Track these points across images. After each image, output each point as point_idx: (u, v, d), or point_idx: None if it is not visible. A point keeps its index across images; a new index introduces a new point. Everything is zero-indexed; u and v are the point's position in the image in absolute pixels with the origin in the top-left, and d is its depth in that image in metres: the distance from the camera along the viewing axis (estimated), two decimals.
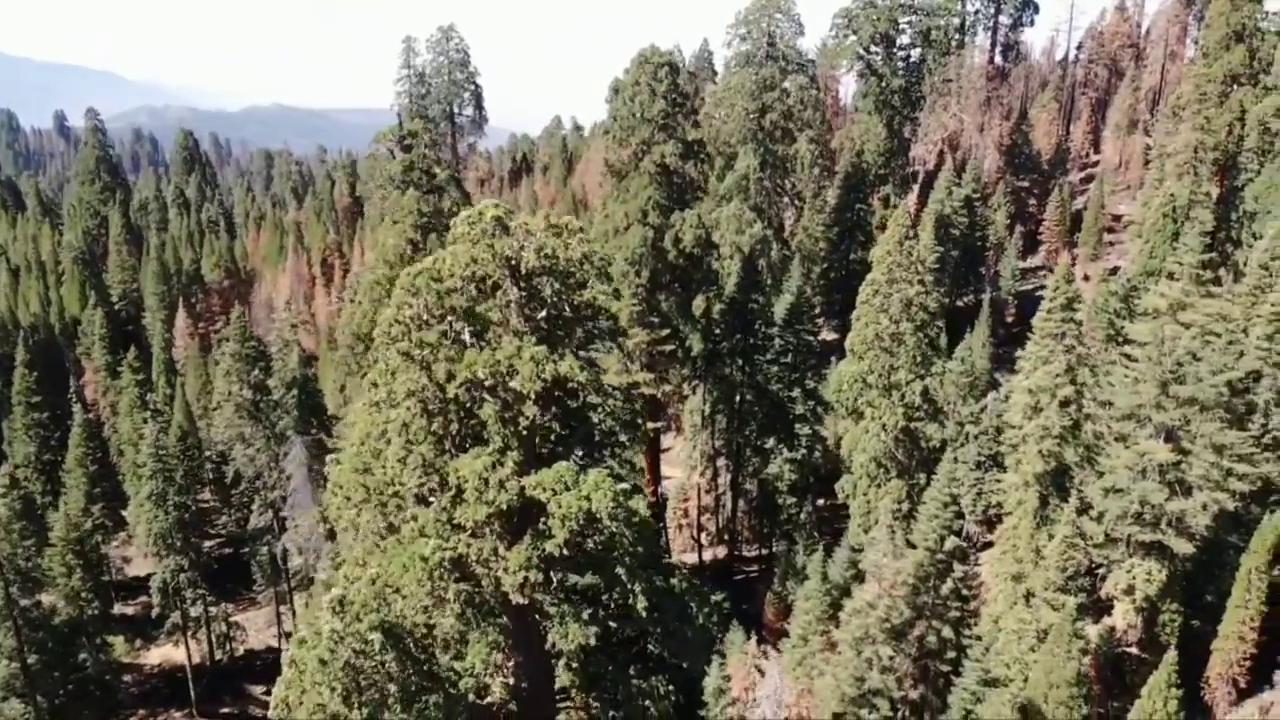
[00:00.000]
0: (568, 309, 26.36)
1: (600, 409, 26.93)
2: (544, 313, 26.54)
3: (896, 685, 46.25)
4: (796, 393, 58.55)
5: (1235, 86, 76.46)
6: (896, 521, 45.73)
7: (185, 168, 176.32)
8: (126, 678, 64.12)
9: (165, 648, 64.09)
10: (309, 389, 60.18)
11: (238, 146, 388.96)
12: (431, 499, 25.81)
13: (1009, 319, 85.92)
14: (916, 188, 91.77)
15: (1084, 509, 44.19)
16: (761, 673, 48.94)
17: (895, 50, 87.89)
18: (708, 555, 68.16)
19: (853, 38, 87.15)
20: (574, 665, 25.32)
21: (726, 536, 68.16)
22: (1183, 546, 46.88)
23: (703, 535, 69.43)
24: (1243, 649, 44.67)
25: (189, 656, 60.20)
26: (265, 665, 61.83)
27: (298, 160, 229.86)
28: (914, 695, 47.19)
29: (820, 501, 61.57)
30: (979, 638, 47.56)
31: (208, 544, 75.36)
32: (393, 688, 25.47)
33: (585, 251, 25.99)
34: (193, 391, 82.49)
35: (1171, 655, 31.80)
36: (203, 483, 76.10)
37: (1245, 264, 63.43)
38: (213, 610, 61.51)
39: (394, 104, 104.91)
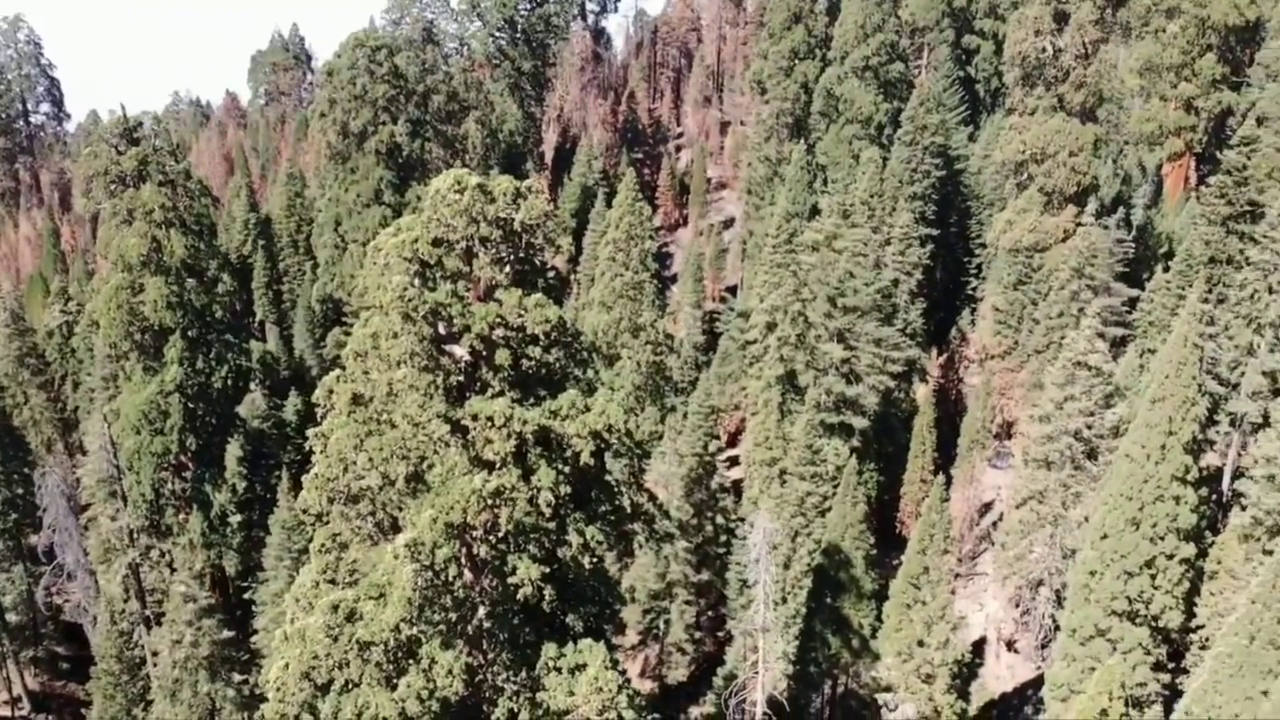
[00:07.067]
0: (535, 263, 30.15)
1: (558, 349, 30.89)
2: (508, 269, 30.06)
3: (693, 572, 54.50)
4: None
5: (798, 61, 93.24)
6: (675, 437, 53.65)
7: None
8: None
9: None
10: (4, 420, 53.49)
11: None
12: (450, 443, 28.36)
13: None
14: (550, 162, 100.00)
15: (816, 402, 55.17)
16: None
17: (518, 35, 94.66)
18: None
19: (478, 23, 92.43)
20: (588, 565, 29.58)
21: None
22: (860, 423, 60.13)
23: None
24: (923, 489, 58.79)
25: None
26: None
27: None
28: (703, 579, 55.80)
29: None
30: (742, 519, 56.99)
31: None
32: (450, 615, 28.27)
33: (547, 210, 29.92)
34: None
35: (940, 479, 43.01)
36: None
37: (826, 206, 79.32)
38: None
39: None
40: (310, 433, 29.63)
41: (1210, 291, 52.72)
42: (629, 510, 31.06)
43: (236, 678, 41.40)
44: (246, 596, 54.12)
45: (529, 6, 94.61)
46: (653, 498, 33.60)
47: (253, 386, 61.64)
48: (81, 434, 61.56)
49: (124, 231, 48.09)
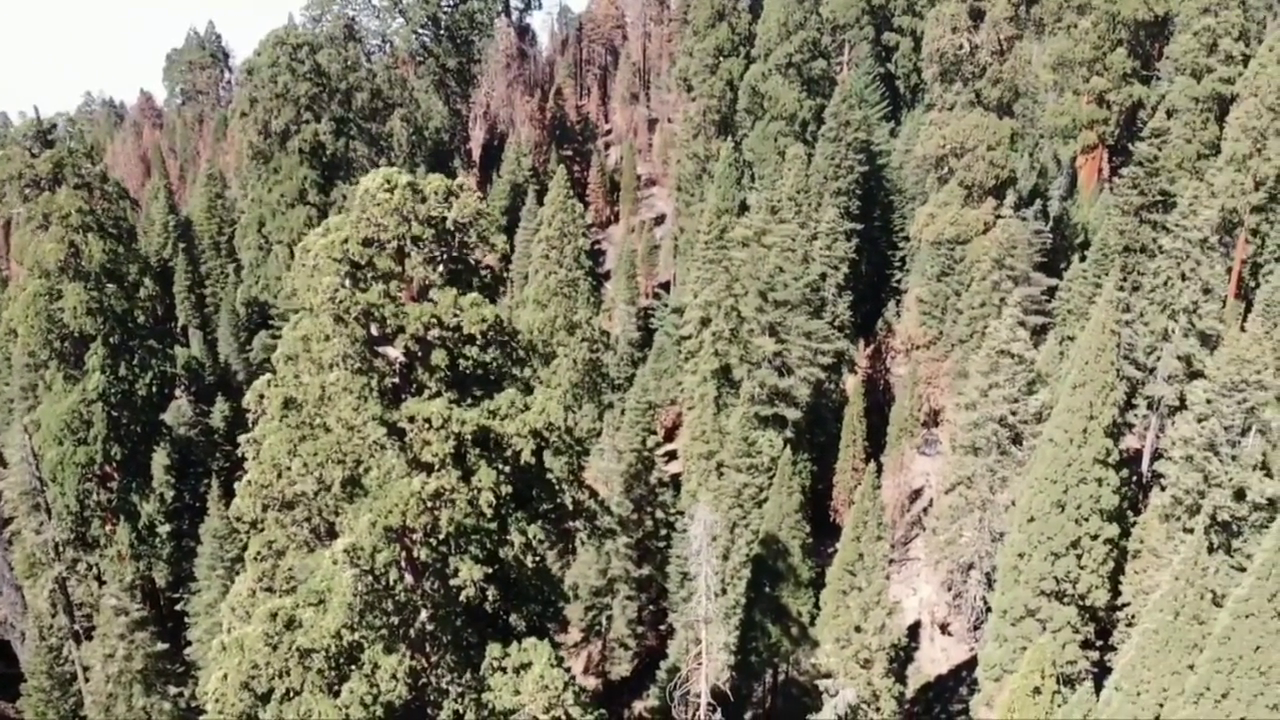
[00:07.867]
0: (469, 262, 29.96)
1: (495, 348, 30.75)
2: (441, 268, 29.85)
3: (634, 567, 54.72)
4: None
5: (723, 58, 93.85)
6: (613, 433, 53.78)
7: None
8: None
9: None
10: None
11: None
12: (387, 446, 28.05)
13: None
14: (478, 160, 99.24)
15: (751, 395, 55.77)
16: None
17: (442, 32, 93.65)
18: None
19: (400, 20, 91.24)
20: (530, 563, 29.56)
21: None
22: (793, 414, 60.94)
23: None
24: (855, 477, 59.81)
25: None
26: None
27: None
28: (644, 573, 56.04)
29: None
30: (681, 512, 57.34)
31: None
32: (392, 619, 28.04)
33: (479, 209, 29.74)
34: None
35: (872, 467, 43.83)
36: None
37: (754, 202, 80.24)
38: None
39: None
40: (242, 439, 29.08)
41: (1125, 279, 54.60)
42: (570, 508, 31.16)
43: (172, 690, 40.48)
44: (179, 608, 52.94)
45: (452, 3, 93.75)
46: (593, 494, 33.71)
47: (178, 393, 60.27)
48: (1, 446, 59.52)
49: (40, 236, 46.61)
